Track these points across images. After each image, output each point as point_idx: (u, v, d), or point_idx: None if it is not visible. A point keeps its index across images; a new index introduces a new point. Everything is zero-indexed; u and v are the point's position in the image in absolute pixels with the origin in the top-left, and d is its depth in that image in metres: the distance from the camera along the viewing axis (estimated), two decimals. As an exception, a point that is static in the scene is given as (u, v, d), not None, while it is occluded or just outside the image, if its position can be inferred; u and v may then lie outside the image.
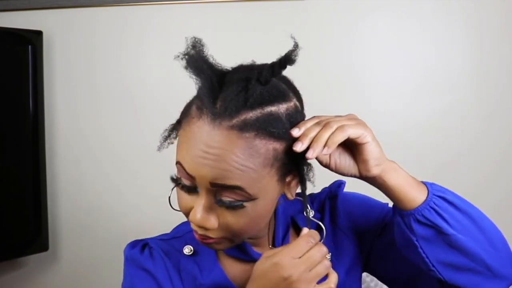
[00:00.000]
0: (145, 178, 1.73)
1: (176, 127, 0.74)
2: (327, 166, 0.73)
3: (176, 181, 0.71)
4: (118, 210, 1.76)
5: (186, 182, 0.70)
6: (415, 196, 0.72)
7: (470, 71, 1.63)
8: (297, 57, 0.68)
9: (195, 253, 0.82)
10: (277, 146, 0.68)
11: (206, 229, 0.70)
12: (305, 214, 0.82)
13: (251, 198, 0.68)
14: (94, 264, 1.78)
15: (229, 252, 0.81)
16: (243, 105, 0.66)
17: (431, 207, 0.71)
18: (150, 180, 1.72)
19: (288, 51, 0.68)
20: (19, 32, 1.59)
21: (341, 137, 0.67)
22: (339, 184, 0.91)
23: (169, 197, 0.78)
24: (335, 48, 1.66)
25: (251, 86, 0.66)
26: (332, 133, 0.67)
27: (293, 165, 0.71)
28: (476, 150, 1.64)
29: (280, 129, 0.68)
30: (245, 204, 0.68)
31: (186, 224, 0.86)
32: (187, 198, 0.71)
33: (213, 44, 1.90)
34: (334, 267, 0.80)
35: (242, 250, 0.80)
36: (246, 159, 0.66)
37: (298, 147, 0.67)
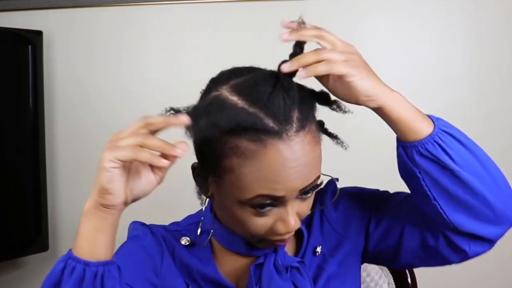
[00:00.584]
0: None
1: (206, 175, 0.73)
2: (326, 86, 0.73)
3: (259, 210, 0.69)
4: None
5: (267, 202, 0.69)
6: (419, 129, 0.72)
7: (470, 71, 1.63)
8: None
9: (191, 245, 0.81)
10: (315, 119, 0.72)
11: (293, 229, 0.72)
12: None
13: (320, 178, 0.72)
14: (94, 264, 1.78)
15: (232, 248, 0.80)
16: (289, 109, 0.66)
17: (435, 141, 0.70)
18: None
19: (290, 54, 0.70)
20: (19, 32, 1.59)
21: (320, 70, 0.66)
22: (330, 182, 0.89)
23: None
24: (335, 48, 1.66)
25: (290, 86, 0.67)
26: (317, 62, 0.67)
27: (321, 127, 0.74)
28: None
29: (311, 105, 0.71)
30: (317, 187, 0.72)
31: (186, 219, 0.86)
32: (265, 220, 0.70)
33: (213, 44, 1.91)
34: (325, 260, 0.83)
35: (247, 246, 0.79)
36: (317, 148, 0.70)
37: (286, 67, 0.67)
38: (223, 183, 0.70)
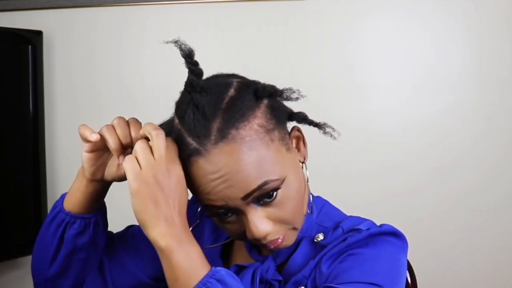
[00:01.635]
0: (145, 178, 1.73)
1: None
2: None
3: (221, 217, 0.70)
4: (118, 210, 1.75)
5: (220, 211, 0.69)
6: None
7: (470, 71, 1.63)
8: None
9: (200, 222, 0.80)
10: (257, 120, 0.68)
11: (270, 234, 0.68)
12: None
13: (281, 181, 0.67)
14: (94, 264, 1.78)
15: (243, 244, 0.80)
16: (202, 122, 0.66)
17: None
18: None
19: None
20: (19, 32, 1.59)
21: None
22: (394, 233, 0.74)
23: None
24: (335, 48, 1.66)
25: (197, 101, 0.67)
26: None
27: (280, 119, 0.71)
28: (476, 150, 1.64)
29: (245, 106, 0.68)
30: (280, 190, 0.67)
31: None
32: (233, 226, 0.70)
33: (213, 44, 1.91)
34: None
35: (251, 248, 0.79)
36: (249, 155, 0.66)
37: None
38: None
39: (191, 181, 0.68)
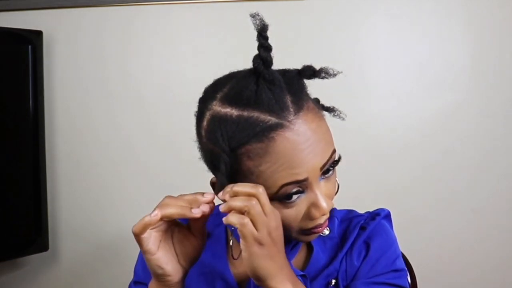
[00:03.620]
0: (145, 178, 1.73)
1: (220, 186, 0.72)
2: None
3: (287, 202, 0.69)
4: (118, 210, 1.76)
5: (294, 190, 0.69)
6: None
7: (470, 71, 1.63)
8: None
9: (208, 235, 0.80)
10: (309, 97, 0.74)
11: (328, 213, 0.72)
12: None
13: (335, 153, 0.72)
14: (94, 264, 1.78)
15: None
16: (280, 97, 0.68)
17: None
18: (150, 180, 1.72)
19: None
20: (19, 32, 1.59)
21: (233, 221, 0.64)
22: (386, 215, 0.85)
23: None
24: (335, 48, 1.66)
25: (271, 76, 0.68)
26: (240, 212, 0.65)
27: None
28: (476, 150, 1.64)
29: (300, 84, 0.73)
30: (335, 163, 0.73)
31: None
32: (294, 210, 0.70)
33: (213, 44, 1.91)
34: None
35: None
36: (321, 122, 0.71)
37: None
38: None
39: (272, 162, 0.67)
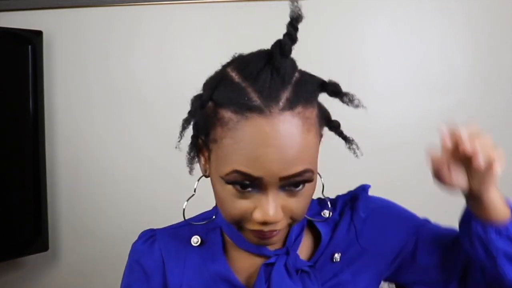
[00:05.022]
0: (145, 178, 1.73)
1: (198, 145, 0.73)
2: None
3: (239, 188, 0.67)
4: (118, 210, 1.76)
5: (246, 182, 0.66)
6: (505, 213, 0.72)
7: (470, 71, 1.63)
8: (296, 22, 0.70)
9: (202, 243, 0.81)
10: (316, 109, 0.70)
11: (274, 223, 0.68)
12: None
13: (313, 175, 0.68)
14: (94, 264, 1.78)
15: (241, 245, 0.80)
16: (277, 86, 0.65)
17: None
18: (151, 180, 1.72)
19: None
20: (19, 32, 1.59)
21: (497, 169, 0.68)
22: (363, 187, 0.89)
23: (184, 209, 0.78)
24: (335, 48, 1.66)
25: (279, 64, 0.66)
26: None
27: (324, 122, 0.73)
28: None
29: (312, 91, 0.69)
30: (308, 184, 0.68)
31: (201, 215, 0.85)
32: (243, 203, 0.68)
33: (213, 44, 1.90)
34: (341, 268, 0.80)
35: (255, 246, 0.78)
36: (306, 135, 0.66)
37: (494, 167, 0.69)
38: (211, 158, 0.70)
39: (236, 139, 0.64)
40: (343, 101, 0.72)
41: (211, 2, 1.66)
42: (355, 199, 0.86)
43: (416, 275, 0.84)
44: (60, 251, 1.79)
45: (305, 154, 0.66)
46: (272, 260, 0.77)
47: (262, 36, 1.84)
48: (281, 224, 0.69)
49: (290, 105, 0.65)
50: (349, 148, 0.76)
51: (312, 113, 0.68)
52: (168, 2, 1.67)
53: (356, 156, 0.76)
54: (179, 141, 0.71)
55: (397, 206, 0.88)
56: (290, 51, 0.67)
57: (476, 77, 1.63)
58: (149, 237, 0.84)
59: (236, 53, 0.75)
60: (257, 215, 0.67)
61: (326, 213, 0.83)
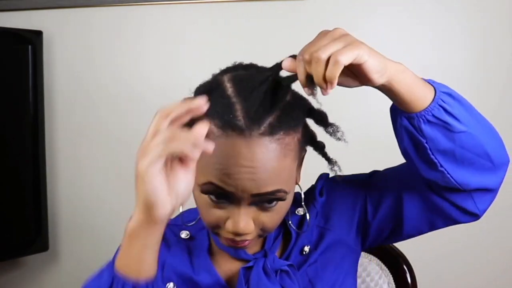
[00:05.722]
0: (145, 178, 1.73)
1: None
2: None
3: (213, 198, 0.70)
4: (118, 210, 1.76)
5: (220, 193, 0.69)
6: (424, 96, 0.69)
7: (470, 71, 1.63)
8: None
9: (191, 238, 0.84)
10: (299, 134, 0.71)
11: (244, 234, 0.71)
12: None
13: (287, 194, 0.70)
14: (94, 264, 1.77)
15: (221, 247, 0.82)
16: (263, 111, 0.66)
17: (439, 105, 0.69)
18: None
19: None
20: (19, 32, 1.59)
21: (337, 71, 0.60)
22: (321, 176, 0.91)
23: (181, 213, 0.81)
24: (335, 48, 1.66)
25: (273, 88, 0.67)
26: (327, 68, 0.61)
27: (307, 143, 0.75)
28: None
29: (297, 118, 0.70)
30: (281, 202, 0.71)
31: (187, 213, 0.85)
32: (218, 212, 0.71)
33: (213, 44, 1.90)
34: (310, 255, 0.82)
35: (233, 250, 0.80)
36: (282, 160, 0.68)
37: (286, 63, 0.65)
38: (196, 165, 0.69)
39: (213, 153, 0.63)
40: (326, 131, 0.74)
41: (212, 2, 1.66)
42: (314, 188, 0.88)
43: (384, 230, 0.85)
44: (60, 251, 1.79)
45: (279, 176, 0.68)
46: (250, 263, 0.79)
47: (262, 36, 1.84)
48: (252, 235, 0.72)
49: (271, 130, 0.66)
50: (331, 169, 0.78)
51: (293, 139, 0.69)
52: (169, 2, 1.67)
53: (335, 173, 0.78)
54: None
55: (348, 177, 0.88)
56: (295, 78, 0.67)
57: (476, 77, 1.63)
58: None
59: (236, 62, 0.76)
60: (229, 226, 0.71)
61: (300, 210, 0.85)
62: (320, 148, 0.78)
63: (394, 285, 1.09)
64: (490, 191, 0.77)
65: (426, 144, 0.70)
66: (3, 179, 1.57)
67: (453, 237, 1.66)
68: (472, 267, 1.66)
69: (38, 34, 1.63)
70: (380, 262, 1.10)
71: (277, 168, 0.68)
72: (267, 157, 0.66)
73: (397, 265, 1.09)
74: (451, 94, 0.71)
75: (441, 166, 0.71)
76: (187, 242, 0.84)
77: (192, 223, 0.83)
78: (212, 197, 0.70)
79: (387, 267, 1.09)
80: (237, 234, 0.71)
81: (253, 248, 0.82)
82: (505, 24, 1.61)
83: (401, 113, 0.70)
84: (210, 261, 0.81)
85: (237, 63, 0.77)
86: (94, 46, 1.72)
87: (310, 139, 0.76)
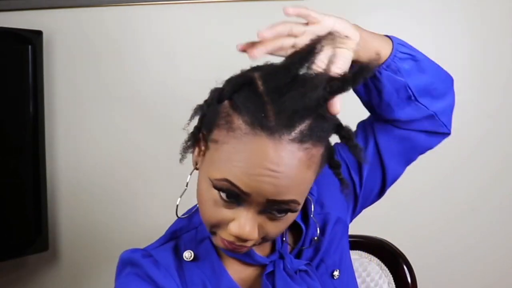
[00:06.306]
0: (145, 178, 1.73)
1: (198, 137, 0.71)
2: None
3: (222, 196, 0.66)
4: (118, 210, 1.76)
5: (233, 193, 0.66)
6: (384, 42, 0.79)
7: (470, 71, 1.63)
8: None
9: (195, 258, 0.78)
10: (323, 149, 0.68)
11: (247, 240, 0.68)
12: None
13: (298, 206, 0.68)
14: (94, 264, 1.78)
15: (234, 255, 0.78)
16: (297, 116, 0.63)
17: (398, 43, 0.80)
18: (150, 180, 1.72)
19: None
20: (19, 32, 1.59)
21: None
22: None
23: (177, 206, 0.77)
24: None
25: (312, 95, 0.63)
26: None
27: (327, 160, 0.71)
28: (477, 150, 1.64)
29: (327, 131, 0.67)
30: (291, 213, 0.68)
31: (175, 225, 0.82)
32: (223, 211, 0.67)
33: (213, 44, 1.90)
34: (319, 243, 0.82)
35: (247, 254, 0.77)
36: (305, 171, 0.65)
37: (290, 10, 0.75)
38: (206, 155, 0.69)
39: (237, 150, 0.63)
40: (350, 150, 0.71)
41: (212, 2, 1.66)
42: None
43: (373, 189, 0.90)
44: (60, 251, 1.79)
45: (298, 187, 0.66)
46: (270, 268, 0.76)
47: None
48: (252, 243, 0.69)
49: (301, 138, 0.64)
50: (341, 189, 0.75)
51: (318, 151, 0.67)
52: (169, 2, 1.67)
53: (342, 191, 0.76)
54: (188, 124, 0.71)
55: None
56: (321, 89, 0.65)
57: (475, 77, 1.63)
58: (143, 253, 0.78)
59: (268, 62, 0.73)
60: (233, 227, 0.67)
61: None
62: (335, 167, 0.74)
63: (394, 285, 1.09)
64: (451, 106, 0.88)
65: (405, 83, 0.78)
66: (3, 179, 1.57)
67: (453, 237, 1.66)
68: (472, 267, 1.66)
69: (38, 34, 1.63)
70: (380, 262, 1.10)
71: (299, 178, 0.65)
72: (292, 165, 0.63)
73: (397, 265, 1.09)
74: (398, 38, 0.82)
75: (417, 100, 0.80)
76: (196, 264, 0.77)
77: (188, 231, 0.79)
78: (223, 195, 0.66)
79: (387, 267, 1.09)
80: (240, 238, 0.67)
81: (264, 250, 0.79)
82: (505, 24, 1.61)
83: (377, 69, 0.77)
84: (233, 281, 0.76)
85: (268, 63, 0.73)
86: (94, 46, 1.72)
87: (330, 157, 0.72)
